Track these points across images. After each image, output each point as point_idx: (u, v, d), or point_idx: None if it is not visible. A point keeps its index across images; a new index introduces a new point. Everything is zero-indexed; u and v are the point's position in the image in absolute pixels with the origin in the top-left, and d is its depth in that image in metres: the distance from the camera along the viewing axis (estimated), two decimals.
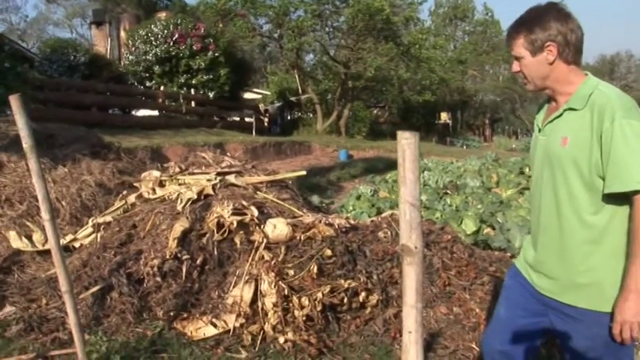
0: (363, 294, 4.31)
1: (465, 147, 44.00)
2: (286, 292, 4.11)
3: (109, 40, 33.05)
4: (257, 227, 4.73)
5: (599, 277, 2.40)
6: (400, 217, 1.79)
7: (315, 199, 9.56)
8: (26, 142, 3.16)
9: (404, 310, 1.90)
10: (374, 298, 4.34)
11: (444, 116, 56.08)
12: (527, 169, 14.39)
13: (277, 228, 4.66)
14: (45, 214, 3.29)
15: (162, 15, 30.04)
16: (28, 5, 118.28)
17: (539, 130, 2.64)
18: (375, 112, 51.25)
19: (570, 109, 2.43)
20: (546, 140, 2.55)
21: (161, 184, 5.89)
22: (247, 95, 36.73)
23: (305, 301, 4.09)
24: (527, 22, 2.45)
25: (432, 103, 50.62)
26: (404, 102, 49.21)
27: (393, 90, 44.17)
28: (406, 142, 1.72)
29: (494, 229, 7.61)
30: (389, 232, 5.00)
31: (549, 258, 2.56)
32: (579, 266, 2.43)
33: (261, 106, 36.52)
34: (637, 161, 2.20)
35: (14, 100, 3.08)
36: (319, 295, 4.12)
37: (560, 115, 2.48)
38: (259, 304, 4.16)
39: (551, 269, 2.56)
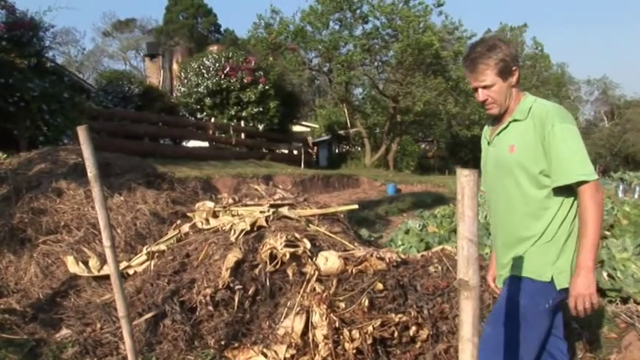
0: (413, 328, 4.29)
1: None
2: (337, 325, 4.13)
3: (162, 72, 33.88)
4: (309, 259, 4.77)
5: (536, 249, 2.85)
6: (458, 253, 1.81)
7: (364, 232, 9.57)
8: (91, 171, 3.27)
9: (460, 345, 1.91)
10: (424, 333, 4.31)
11: None
12: None
13: (329, 261, 4.69)
14: (106, 241, 3.37)
15: (214, 48, 30.77)
16: (86, 38, 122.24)
17: (489, 143, 3.14)
18: (423, 146, 51.06)
19: (515, 120, 2.87)
20: (496, 150, 3.02)
21: (214, 215, 5.99)
22: (296, 128, 37.03)
23: (355, 333, 4.10)
24: (491, 53, 2.78)
25: (480, 138, 50.04)
26: (452, 136, 48.92)
27: (442, 124, 43.95)
28: (465, 179, 1.75)
29: None
30: (439, 267, 4.99)
31: (508, 253, 3.00)
32: (524, 242, 2.88)
33: (309, 139, 36.76)
34: (576, 157, 2.65)
35: (82, 131, 3.21)
36: (370, 328, 4.12)
37: (506, 127, 2.92)
38: (310, 335, 4.18)
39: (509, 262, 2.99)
